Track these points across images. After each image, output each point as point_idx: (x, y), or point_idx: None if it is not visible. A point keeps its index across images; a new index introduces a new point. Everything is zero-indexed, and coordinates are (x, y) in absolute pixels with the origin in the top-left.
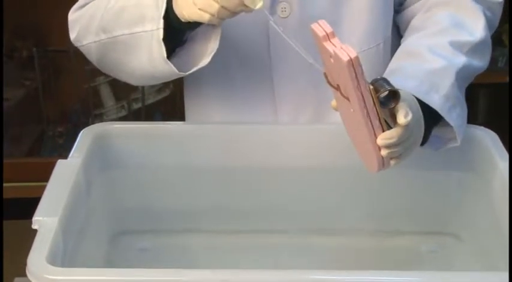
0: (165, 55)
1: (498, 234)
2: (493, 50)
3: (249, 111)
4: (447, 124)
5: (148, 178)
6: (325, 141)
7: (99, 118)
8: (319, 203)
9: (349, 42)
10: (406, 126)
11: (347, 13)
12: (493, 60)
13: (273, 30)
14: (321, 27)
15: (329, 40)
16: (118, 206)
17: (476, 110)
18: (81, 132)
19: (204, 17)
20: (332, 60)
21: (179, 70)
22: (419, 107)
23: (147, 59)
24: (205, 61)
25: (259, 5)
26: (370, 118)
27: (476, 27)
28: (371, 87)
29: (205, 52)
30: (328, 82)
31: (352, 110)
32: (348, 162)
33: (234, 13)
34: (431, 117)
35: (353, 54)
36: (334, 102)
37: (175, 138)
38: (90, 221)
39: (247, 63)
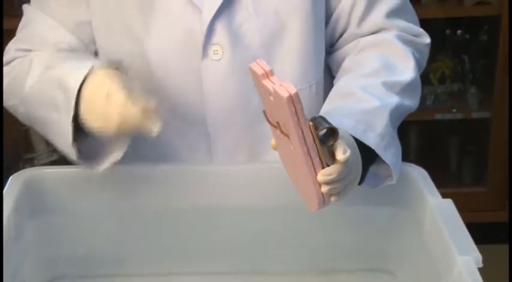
0: (75, 156)
1: (431, 270)
2: (422, 88)
3: (181, 152)
4: (383, 162)
5: (80, 223)
6: (262, 181)
7: (30, 162)
8: (256, 243)
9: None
10: (345, 163)
11: (279, 55)
12: (422, 99)
13: (206, 72)
14: (259, 66)
15: (268, 78)
16: (50, 252)
17: (408, 146)
18: (11, 178)
19: (104, 134)
20: (271, 97)
21: (93, 160)
22: (356, 146)
23: (62, 143)
24: (116, 156)
25: (155, 130)
26: (310, 155)
27: (407, 68)
28: (310, 123)
29: (115, 149)
30: (268, 120)
31: (292, 147)
32: (286, 201)
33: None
34: (367, 156)
35: (292, 91)
36: (273, 142)
37: (107, 182)
38: (22, 267)
39: (180, 103)
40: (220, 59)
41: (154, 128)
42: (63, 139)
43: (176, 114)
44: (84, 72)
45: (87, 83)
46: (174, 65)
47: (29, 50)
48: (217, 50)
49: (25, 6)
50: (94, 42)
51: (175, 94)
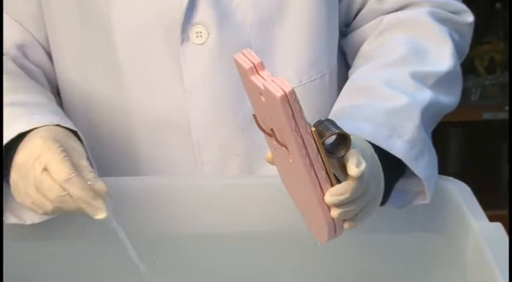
0: None
1: None
2: (464, 80)
3: (158, 163)
4: (413, 175)
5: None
6: (259, 199)
7: None
8: (256, 274)
9: (285, 74)
10: (360, 179)
11: (279, 37)
12: (465, 93)
13: (186, 59)
14: (246, 58)
15: (257, 73)
16: None
17: (446, 155)
18: None
19: (38, 212)
20: (263, 97)
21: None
22: (375, 156)
23: None
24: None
25: (100, 216)
26: (314, 169)
27: (443, 54)
28: (313, 129)
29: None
30: (260, 127)
31: (291, 160)
32: (287, 226)
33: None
34: (392, 169)
35: (288, 88)
36: (269, 154)
37: None
38: None
39: (154, 101)
40: (204, 43)
41: (101, 213)
42: None
43: (149, 115)
44: (19, 130)
45: (20, 148)
46: (145, 52)
47: None
48: (200, 32)
49: None
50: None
51: (148, 89)
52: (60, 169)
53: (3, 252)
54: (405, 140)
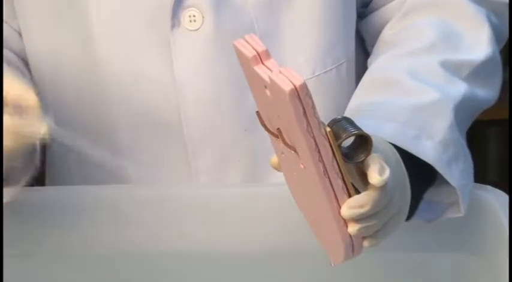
0: None
1: None
2: (504, 71)
3: (145, 169)
4: (445, 184)
5: None
6: (264, 212)
7: None
8: None
9: (295, 64)
10: (383, 188)
11: (288, 20)
12: (505, 87)
13: (177, 48)
14: (248, 45)
15: (262, 62)
16: None
17: (484, 159)
18: None
19: None
20: (268, 92)
21: None
22: (401, 161)
23: None
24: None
25: (40, 133)
26: (328, 177)
27: (479, 40)
28: (328, 130)
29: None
30: (264, 126)
31: (302, 166)
32: (300, 244)
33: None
34: (420, 176)
35: (298, 81)
36: (274, 159)
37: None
38: None
39: (140, 98)
40: (198, 28)
41: (38, 130)
42: None
43: (133, 114)
44: None
45: None
46: (127, 39)
47: None
48: (194, 15)
49: None
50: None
51: (132, 84)
52: None
53: (3, 253)
54: (436, 142)
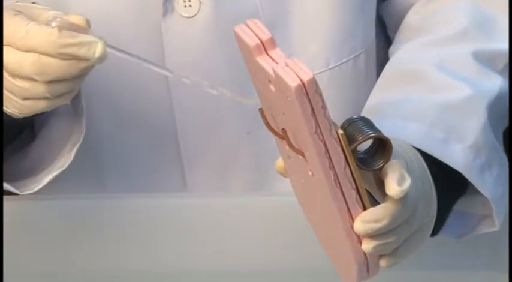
0: None
1: None
2: None
3: (137, 176)
4: (477, 194)
5: None
6: (269, 225)
7: None
8: None
9: (306, 54)
10: (403, 200)
11: (297, 5)
12: None
13: (171, 38)
14: (251, 31)
15: (266, 53)
16: None
17: None
18: None
19: (37, 106)
20: (272, 87)
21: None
22: (426, 168)
23: None
24: (64, 161)
25: (98, 52)
26: (340, 187)
27: None
28: (340, 132)
29: (63, 146)
30: (268, 126)
31: (310, 173)
32: (308, 262)
33: (72, 81)
34: (448, 186)
35: (306, 75)
36: (280, 163)
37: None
38: None
39: (129, 96)
40: (194, 15)
41: (96, 45)
42: None
43: (120, 116)
44: None
45: None
46: (117, 28)
47: None
48: (189, 0)
49: None
50: None
51: (121, 81)
52: (15, 25)
53: (3, 253)
54: (467, 146)
